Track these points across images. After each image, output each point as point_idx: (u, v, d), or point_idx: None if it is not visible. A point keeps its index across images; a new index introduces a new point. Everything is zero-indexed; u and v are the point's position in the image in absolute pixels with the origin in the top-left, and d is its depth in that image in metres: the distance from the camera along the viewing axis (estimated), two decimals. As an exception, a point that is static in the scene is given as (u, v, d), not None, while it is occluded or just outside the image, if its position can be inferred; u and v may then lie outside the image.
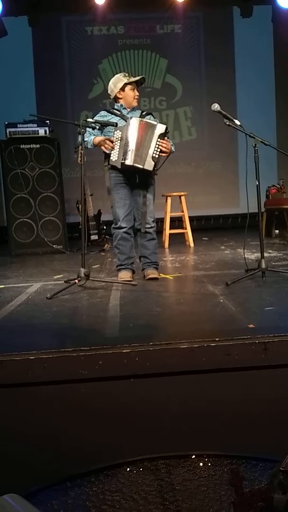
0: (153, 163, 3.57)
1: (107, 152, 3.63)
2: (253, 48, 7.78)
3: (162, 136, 3.57)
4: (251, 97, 7.78)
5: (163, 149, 3.58)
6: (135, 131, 3.55)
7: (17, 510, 1.05)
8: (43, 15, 7.43)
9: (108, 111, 3.78)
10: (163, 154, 3.62)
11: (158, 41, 7.76)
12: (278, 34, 7.79)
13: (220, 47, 7.83)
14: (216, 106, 3.52)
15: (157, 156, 3.57)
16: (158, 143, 3.55)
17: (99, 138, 3.64)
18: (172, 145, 3.69)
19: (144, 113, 3.81)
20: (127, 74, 3.79)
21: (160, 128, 3.57)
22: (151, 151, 3.55)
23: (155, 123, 3.62)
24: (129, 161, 3.56)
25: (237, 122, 3.54)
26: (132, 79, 3.74)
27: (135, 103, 3.78)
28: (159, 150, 3.56)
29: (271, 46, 7.88)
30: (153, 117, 3.86)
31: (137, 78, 3.77)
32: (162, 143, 3.57)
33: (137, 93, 3.77)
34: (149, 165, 3.57)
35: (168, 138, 3.65)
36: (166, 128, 3.60)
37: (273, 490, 1.09)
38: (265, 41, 7.86)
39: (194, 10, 7.57)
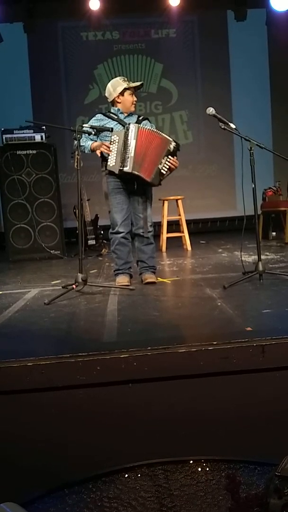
0: (159, 179, 3.59)
1: (105, 154, 3.62)
2: (248, 51, 7.82)
3: (173, 154, 3.58)
4: (246, 100, 7.81)
5: (172, 166, 3.60)
6: (134, 138, 3.54)
7: (14, 519, 1.05)
8: (39, 21, 7.46)
9: (105, 115, 3.78)
10: (169, 171, 3.63)
11: (153, 46, 7.79)
12: (272, 37, 7.82)
13: (215, 51, 7.86)
14: (211, 110, 3.53)
15: (164, 172, 3.58)
16: (168, 160, 3.57)
17: (96, 143, 3.64)
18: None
19: (140, 118, 3.81)
20: (126, 79, 3.79)
21: (173, 146, 3.58)
22: (160, 166, 3.56)
23: (170, 138, 3.62)
24: (127, 168, 3.55)
25: (232, 125, 3.55)
26: (132, 84, 3.75)
27: (133, 109, 3.78)
28: (167, 167, 3.57)
29: (265, 49, 7.92)
30: (150, 122, 3.86)
31: (137, 84, 3.78)
32: (172, 161, 3.58)
33: (135, 99, 3.77)
34: (155, 180, 3.58)
35: (176, 156, 3.65)
36: (179, 146, 3.61)
37: (269, 495, 1.09)
38: (259, 44, 7.89)
39: (188, 14, 7.61)
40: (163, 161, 3.56)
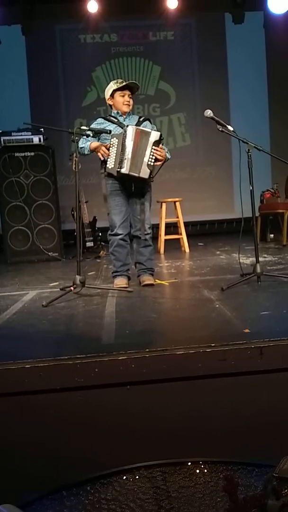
0: (148, 171, 3.56)
1: (102, 158, 3.64)
2: (246, 54, 7.84)
3: (156, 143, 3.57)
4: (244, 102, 7.83)
5: (158, 156, 3.58)
6: (131, 139, 3.55)
7: (12, 521, 1.04)
8: (37, 23, 7.48)
9: (105, 118, 3.78)
10: (158, 163, 3.62)
11: (151, 48, 7.81)
12: (270, 39, 7.86)
13: (212, 54, 7.89)
14: (209, 113, 3.53)
15: (152, 164, 3.56)
16: (152, 150, 3.55)
17: (96, 143, 3.64)
18: (167, 152, 3.70)
19: (141, 119, 3.80)
20: (120, 81, 3.78)
21: (155, 136, 3.57)
22: (146, 159, 3.55)
23: (149, 130, 3.61)
24: (125, 170, 3.55)
25: (230, 128, 3.56)
26: (120, 84, 3.73)
27: (125, 109, 3.75)
28: (153, 158, 3.56)
29: (263, 51, 7.95)
30: (151, 122, 3.85)
31: (125, 83, 3.74)
32: (157, 150, 3.57)
33: (127, 99, 3.73)
34: (144, 173, 3.56)
35: (163, 145, 3.65)
36: (161, 135, 3.60)
37: (267, 496, 1.10)
38: (257, 47, 7.92)
39: (186, 17, 7.63)
40: (147, 152, 3.55)
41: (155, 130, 3.63)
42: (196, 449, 1.94)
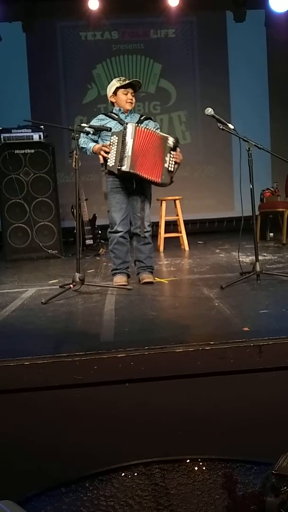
0: (170, 177, 3.59)
1: (102, 162, 3.63)
2: (247, 52, 7.84)
3: (174, 149, 3.58)
4: (245, 101, 7.83)
5: (177, 160, 3.59)
6: (131, 137, 3.55)
7: (11, 517, 1.05)
8: (37, 21, 7.47)
9: (106, 115, 3.78)
10: (176, 166, 3.62)
11: (152, 46, 7.80)
12: (271, 38, 7.85)
13: (214, 51, 7.88)
14: (209, 111, 3.53)
15: (172, 169, 3.58)
16: (171, 156, 3.56)
17: (97, 146, 3.64)
18: None
19: (142, 118, 3.80)
20: (122, 79, 3.78)
21: (172, 141, 3.57)
22: (166, 165, 3.56)
23: (166, 135, 3.61)
24: (125, 167, 3.54)
25: (230, 126, 3.55)
26: (123, 82, 3.73)
27: (128, 107, 3.76)
28: (173, 162, 3.57)
29: (264, 50, 7.95)
30: (153, 121, 3.85)
31: (128, 81, 3.74)
32: (176, 155, 3.58)
33: (130, 97, 3.74)
34: (166, 179, 3.58)
35: (178, 149, 3.65)
36: (178, 140, 3.61)
37: (266, 494, 1.10)
38: (258, 45, 7.92)
39: (187, 14, 7.62)
40: (167, 158, 3.56)
41: (171, 136, 3.63)
42: (195, 447, 1.94)
